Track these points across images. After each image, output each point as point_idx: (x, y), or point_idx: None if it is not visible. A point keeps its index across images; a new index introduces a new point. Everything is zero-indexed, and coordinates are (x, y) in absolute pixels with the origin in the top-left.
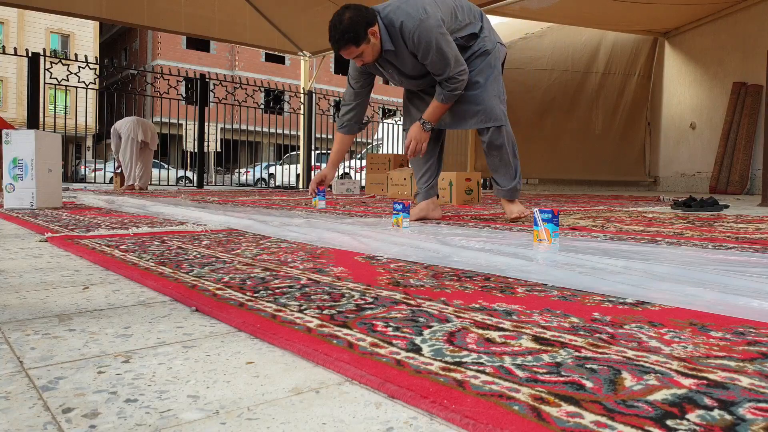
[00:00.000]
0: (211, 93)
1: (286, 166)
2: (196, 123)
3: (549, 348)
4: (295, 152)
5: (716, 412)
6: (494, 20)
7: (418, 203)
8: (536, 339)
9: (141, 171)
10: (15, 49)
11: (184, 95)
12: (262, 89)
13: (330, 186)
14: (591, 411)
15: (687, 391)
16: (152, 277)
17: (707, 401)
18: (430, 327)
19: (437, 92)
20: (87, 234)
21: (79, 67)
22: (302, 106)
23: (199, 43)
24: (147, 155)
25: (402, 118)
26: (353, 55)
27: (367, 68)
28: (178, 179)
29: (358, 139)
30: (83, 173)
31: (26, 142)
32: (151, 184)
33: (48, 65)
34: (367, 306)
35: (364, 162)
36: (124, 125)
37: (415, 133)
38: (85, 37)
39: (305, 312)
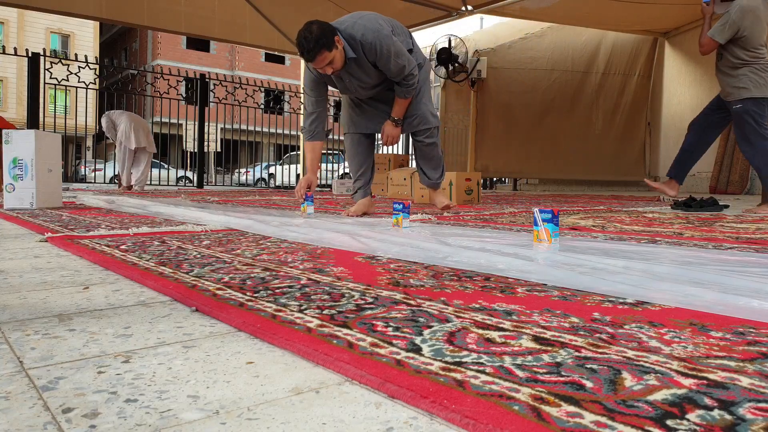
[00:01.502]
0: (211, 93)
1: (286, 166)
2: (196, 123)
3: (549, 348)
4: (295, 152)
5: (716, 412)
6: (494, 20)
7: (358, 200)
8: (536, 339)
9: (141, 174)
10: (15, 49)
11: (184, 95)
12: (262, 89)
13: (330, 188)
14: (591, 411)
15: (687, 391)
16: (152, 277)
17: (707, 401)
18: (430, 327)
19: (398, 91)
20: (87, 234)
21: (79, 67)
22: (302, 106)
23: (199, 43)
24: (145, 157)
25: (345, 123)
26: (326, 61)
27: (316, 79)
28: (178, 179)
29: None
30: (83, 173)
31: (26, 142)
32: (150, 184)
33: (48, 65)
34: (367, 306)
35: None
36: (119, 120)
37: (389, 130)
38: (85, 37)
39: (305, 312)
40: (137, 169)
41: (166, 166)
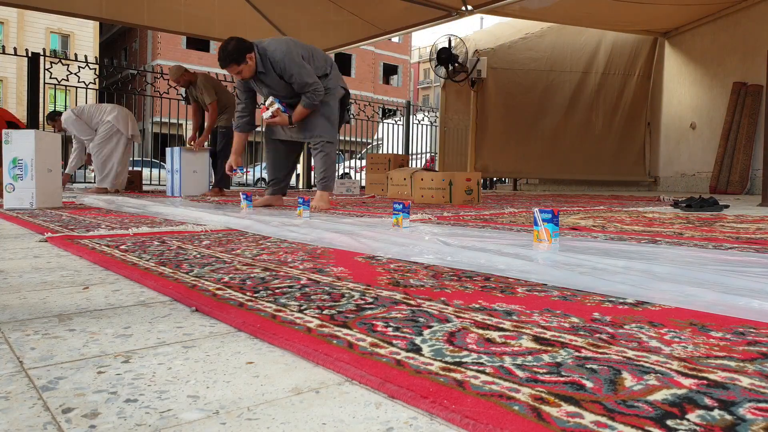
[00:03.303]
0: None
1: None
2: None
3: (549, 348)
4: None
5: (716, 412)
6: (494, 20)
7: (267, 195)
8: (536, 339)
9: (120, 169)
10: (15, 49)
11: (184, 95)
12: None
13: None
14: (591, 411)
15: (687, 391)
16: (152, 277)
17: (707, 401)
18: (430, 327)
19: (302, 101)
20: (87, 234)
21: (79, 67)
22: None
23: (199, 43)
24: (128, 151)
25: (267, 131)
26: (235, 72)
27: (244, 84)
28: None
29: (359, 139)
30: (83, 175)
31: (26, 142)
32: (150, 184)
33: (48, 65)
34: (367, 306)
35: (364, 162)
36: (104, 113)
37: (281, 117)
38: (85, 37)
39: (305, 312)
40: (118, 165)
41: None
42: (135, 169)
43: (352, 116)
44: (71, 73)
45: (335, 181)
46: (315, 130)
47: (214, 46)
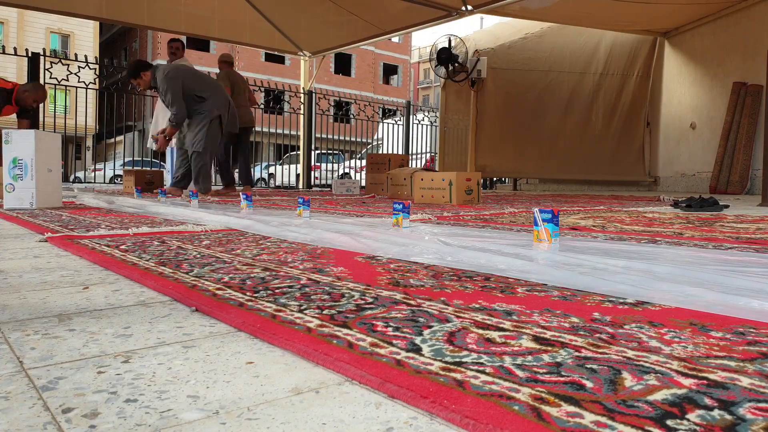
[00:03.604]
0: None
1: (286, 166)
2: None
3: (549, 348)
4: (295, 152)
5: (716, 412)
6: (494, 20)
7: (170, 187)
8: (536, 339)
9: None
10: (15, 49)
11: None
12: (262, 89)
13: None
14: (591, 411)
15: (687, 391)
16: (152, 277)
17: (707, 401)
18: (430, 327)
19: (168, 121)
20: (87, 234)
21: (79, 67)
22: (302, 106)
23: (199, 43)
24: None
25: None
26: (135, 83)
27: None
28: None
29: (359, 139)
30: (83, 175)
31: (26, 142)
32: (152, 184)
33: (48, 65)
34: (367, 306)
35: (364, 162)
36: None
37: (170, 129)
38: (85, 37)
39: (305, 312)
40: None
41: (165, 166)
42: (153, 168)
43: (353, 116)
44: (71, 73)
45: (209, 182)
46: (191, 145)
47: (215, 46)
